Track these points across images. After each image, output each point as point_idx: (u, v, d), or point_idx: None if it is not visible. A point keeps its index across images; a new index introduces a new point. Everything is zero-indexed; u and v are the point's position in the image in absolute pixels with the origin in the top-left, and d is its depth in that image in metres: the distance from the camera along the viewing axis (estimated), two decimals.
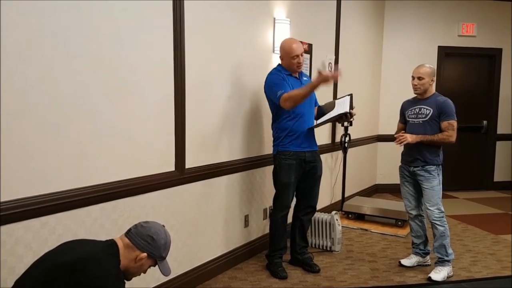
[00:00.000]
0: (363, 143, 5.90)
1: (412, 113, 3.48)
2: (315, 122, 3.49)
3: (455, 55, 6.52)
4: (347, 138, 5.09)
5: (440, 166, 3.43)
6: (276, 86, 3.25)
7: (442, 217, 3.38)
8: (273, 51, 3.84)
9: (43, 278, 1.62)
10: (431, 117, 3.38)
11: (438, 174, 3.40)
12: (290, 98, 3.15)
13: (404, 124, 3.58)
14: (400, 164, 3.61)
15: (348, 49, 5.24)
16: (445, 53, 6.44)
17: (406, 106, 3.59)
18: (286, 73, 3.35)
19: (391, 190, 6.40)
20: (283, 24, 3.80)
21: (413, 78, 3.43)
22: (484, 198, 6.32)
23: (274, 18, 3.80)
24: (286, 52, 3.31)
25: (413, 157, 3.45)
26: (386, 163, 6.38)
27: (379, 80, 6.41)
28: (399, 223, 4.67)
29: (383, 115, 6.41)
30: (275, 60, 3.88)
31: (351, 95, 3.37)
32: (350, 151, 5.27)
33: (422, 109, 3.42)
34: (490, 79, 6.70)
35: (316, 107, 3.57)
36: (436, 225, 3.38)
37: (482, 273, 3.57)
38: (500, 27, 6.56)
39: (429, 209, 3.39)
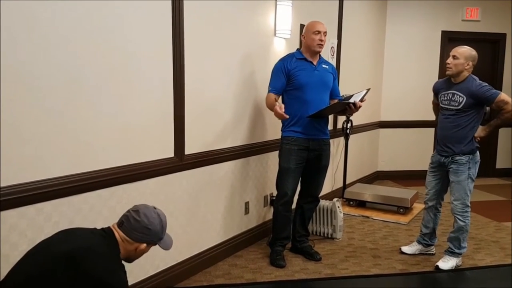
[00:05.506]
0: (365, 130, 5.83)
1: (445, 98, 3.30)
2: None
3: (458, 40, 6.37)
4: (348, 125, 5.02)
5: (475, 156, 3.26)
6: (272, 77, 3.29)
7: (466, 212, 3.27)
8: (275, 34, 3.74)
9: (39, 268, 1.57)
10: (464, 106, 3.18)
11: (468, 168, 3.24)
12: (266, 98, 3.28)
13: (438, 103, 3.40)
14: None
15: (351, 33, 5.14)
16: (449, 38, 6.34)
17: (439, 87, 3.40)
18: (300, 57, 3.26)
19: (392, 177, 6.35)
20: (285, 6, 3.70)
21: (449, 56, 3.27)
22: (486, 185, 6.27)
23: (276, 0, 3.70)
24: (308, 28, 3.26)
25: (443, 146, 3.31)
26: (388, 150, 6.30)
27: (382, 65, 6.31)
28: (401, 210, 4.63)
29: (385, 101, 6.30)
30: (277, 44, 3.80)
31: (368, 89, 3.27)
32: (352, 137, 5.20)
33: (455, 95, 3.23)
34: (494, 65, 6.60)
35: (337, 100, 3.41)
36: (457, 219, 3.29)
37: (485, 260, 3.53)
38: (505, 12, 6.44)
39: (453, 203, 3.29)
